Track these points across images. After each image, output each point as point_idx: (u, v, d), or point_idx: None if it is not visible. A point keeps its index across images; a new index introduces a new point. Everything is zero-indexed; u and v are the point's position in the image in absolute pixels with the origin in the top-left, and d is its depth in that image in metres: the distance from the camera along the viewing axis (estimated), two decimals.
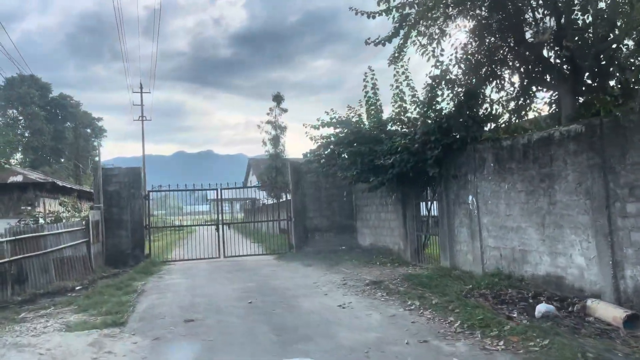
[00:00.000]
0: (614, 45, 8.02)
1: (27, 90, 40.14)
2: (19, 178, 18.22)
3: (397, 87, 11.72)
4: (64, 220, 13.90)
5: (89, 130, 48.67)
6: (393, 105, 12.39)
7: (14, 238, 11.00)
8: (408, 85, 11.51)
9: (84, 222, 13.43)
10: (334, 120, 13.26)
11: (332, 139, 13.01)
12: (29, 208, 15.35)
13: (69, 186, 20.84)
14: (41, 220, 15.30)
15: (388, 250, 13.56)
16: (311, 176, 15.97)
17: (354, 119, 13.27)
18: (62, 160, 41.97)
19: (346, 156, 12.20)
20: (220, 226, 16.03)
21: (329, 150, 12.82)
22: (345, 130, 12.81)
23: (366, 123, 13.00)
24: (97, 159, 14.40)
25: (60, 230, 12.34)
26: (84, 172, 38.58)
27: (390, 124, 12.25)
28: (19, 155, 42.99)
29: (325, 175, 14.55)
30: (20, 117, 42.68)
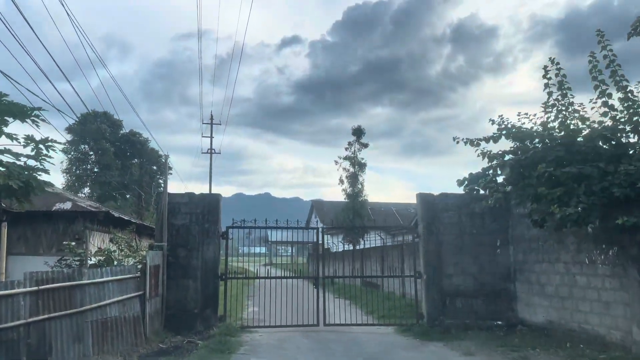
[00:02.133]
0: None
1: (99, 125, 39.64)
2: (67, 205, 14.95)
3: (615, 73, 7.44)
4: (114, 264, 10.13)
5: (154, 167, 47.30)
6: (595, 104, 8.04)
7: (36, 289, 7.33)
8: None
9: (139, 267, 9.57)
10: (512, 129, 8.91)
11: (512, 156, 8.60)
12: (73, 243, 11.74)
13: (126, 218, 17.39)
14: (90, 260, 11.66)
15: (593, 337, 8.75)
16: (450, 216, 11.49)
17: (534, 129, 8.92)
18: (128, 196, 40.58)
19: (540, 182, 7.73)
20: (321, 283, 11.72)
21: (507, 172, 8.38)
22: (534, 144, 8.42)
23: (557, 132, 8.58)
24: (161, 186, 10.38)
25: (105, 279, 8.53)
26: (146, 206, 36.28)
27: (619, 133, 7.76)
28: (86, 190, 41.94)
29: (501, 210, 10.11)
30: (91, 152, 42.33)
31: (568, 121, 8.56)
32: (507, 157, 8.74)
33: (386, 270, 17.21)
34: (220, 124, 39.79)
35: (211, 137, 38.61)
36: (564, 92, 8.92)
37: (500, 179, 8.77)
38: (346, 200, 36.81)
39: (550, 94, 9.10)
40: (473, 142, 9.64)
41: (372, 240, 18.83)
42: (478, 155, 9.36)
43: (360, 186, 36.46)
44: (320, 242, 12.15)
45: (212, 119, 38.72)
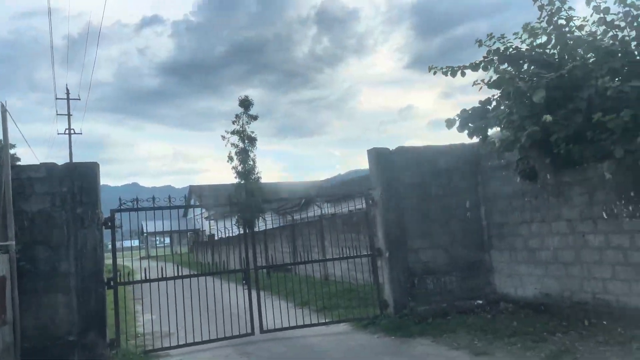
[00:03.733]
0: None
1: None
2: None
3: None
4: None
5: None
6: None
7: None
8: None
9: None
10: (508, 50, 6.72)
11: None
12: None
13: None
14: None
15: (619, 310, 7.00)
16: (412, 175, 9.15)
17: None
18: None
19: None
20: (253, 277, 8.71)
21: (541, 95, 5.96)
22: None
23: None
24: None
25: None
26: None
27: None
28: None
29: (468, 164, 7.84)
30: None
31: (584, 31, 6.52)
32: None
33: (332, 250, 14.62)
34: (79, 99, 33.72)
35: (69, 114, 32.63)
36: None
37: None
38: (237, 179, 33.51)
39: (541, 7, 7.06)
40: (455, 71, 7.30)
41: (311, 213, 16.07)
42: (475, 84, 7.04)
43: (251, 163, 33.44)
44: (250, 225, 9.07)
45: (68, 92, 32.68)
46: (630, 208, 6.87)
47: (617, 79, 5.42)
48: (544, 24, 7.14)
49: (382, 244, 9.00)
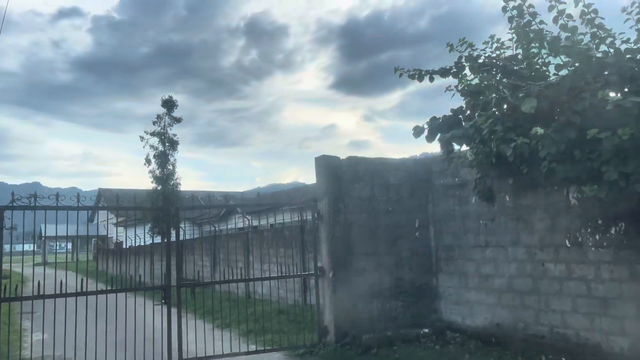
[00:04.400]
0: None
1: None
2: None
3: None
4: None
5: None
6: None
7: None
8: None
9: None
10: (480, 57, 6.16)
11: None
12: None
13: None
14: None
15: (578, 346, 6.60)
16: (361, 188, 8.35)
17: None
18: None
19: None
20: (175, 296, 7.39)
21: (531, 104, 5.31)
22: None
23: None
24: None
25: None
26: None
27: None
28: None
29: (419, 181, 7.18)
30: None
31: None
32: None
33: (260, 266, 13.38)
34: None
35: None
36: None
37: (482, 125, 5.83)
38: (154, 184, 31.29)
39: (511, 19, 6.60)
40: (422, 75, 6.62)
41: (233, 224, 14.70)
42: (448, 90, 6.38)
43: (171, 167, 31.43)
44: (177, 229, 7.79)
45: None
46: (597, 237, 6.48)
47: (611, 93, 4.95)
48: (514, 36, 6.68)
49: (326, 263, 8.07)
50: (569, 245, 6.78)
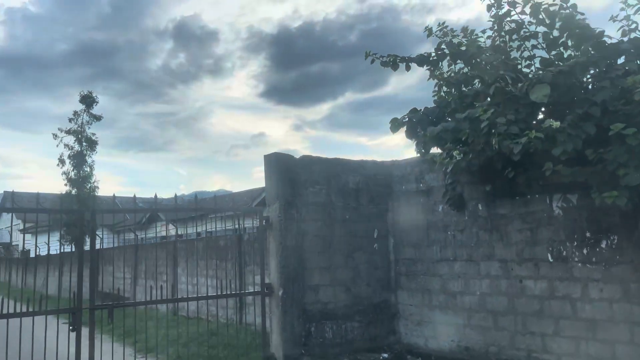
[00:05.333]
0: None
1: None
2: None
3: None
4: None
5: None
6: None
7: None
8: None
9: None
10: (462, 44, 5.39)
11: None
12: None
13: None
14: None
15: None
16: (317, 192, 7.29)
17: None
18: None
19: None
20: (85, 321, 5.90)
21: (544, 92, 4.38)
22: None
23: None
24: None
25: None
26: None
27: None
28: None
29: (378, 186, 6.27)
30: None
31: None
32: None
33: (200, 281, 11.82)
34: None
35: None
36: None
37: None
38: (68, 187, 28.47)
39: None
40: (396, 63, 5.72)
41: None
42: (432, 78, 5.51)
43: (88, 169, 28.76)
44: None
45: None
46: (585, 251, 5.82)
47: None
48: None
49: (276, 279, 6.89)
50: (552, 260, 6.09)
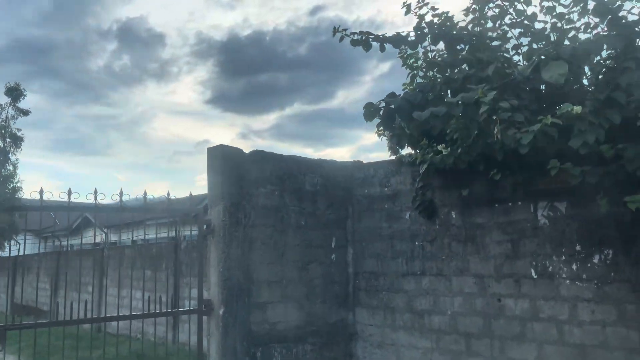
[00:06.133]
0: None
1: None
2: None
3: None
4: None
5: None
6: None
7: None
8: None
9: None
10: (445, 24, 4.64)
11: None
12: None
13: None
14: None
15: None
16: (269, 194, 6.29)
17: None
18: None
19: None
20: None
21: (562, 70, 3.49)
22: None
23: None
24: None
25: None
26: None
27: None
28: None
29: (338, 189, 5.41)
30: None
31: None
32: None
33: (129, 293, 10.32)
34: None
35: None
36: None
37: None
38: None
39: None
40: (368, 43, 4.88)
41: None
42: (403, 66, 4.67)
43: (11, 168, 26.37)
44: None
45: None
46: (574, 267, 5.13)
47: None
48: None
49: (216, 294, 5.78)
50: (536, 277, 5.37)
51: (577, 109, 3.33)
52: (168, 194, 5.62)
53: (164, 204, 6.41)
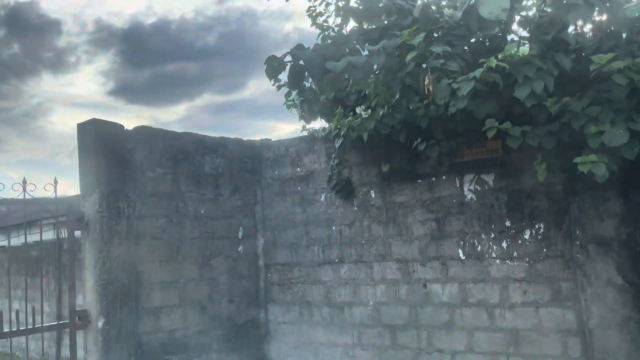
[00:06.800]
0: None
1: None
2: None
3: None
4: None
5: None
6: None
7: None
8: None
9: None
10: None
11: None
12: None
13: None
14: None
15: None
16: (159, 178, 5.28)
17: None
18: None
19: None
20: None
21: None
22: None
23: None
24: None
25: None
26: None
27: None
28: None
29: (245, 171, 4.64)
30: None
31: None
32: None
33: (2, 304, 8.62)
34: None
35: None
36: None
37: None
38: None
39: None
40: None
41: None
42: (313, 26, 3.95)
43: None
44: None
45: None
46: (504, 245, 4.66)
47: None
48: None
49: (94, 303, 4.71)
50: (464, 258, 4.85)
51: (524, 50, 2.72)
52: (24, 181, 4.42)
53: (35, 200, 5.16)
